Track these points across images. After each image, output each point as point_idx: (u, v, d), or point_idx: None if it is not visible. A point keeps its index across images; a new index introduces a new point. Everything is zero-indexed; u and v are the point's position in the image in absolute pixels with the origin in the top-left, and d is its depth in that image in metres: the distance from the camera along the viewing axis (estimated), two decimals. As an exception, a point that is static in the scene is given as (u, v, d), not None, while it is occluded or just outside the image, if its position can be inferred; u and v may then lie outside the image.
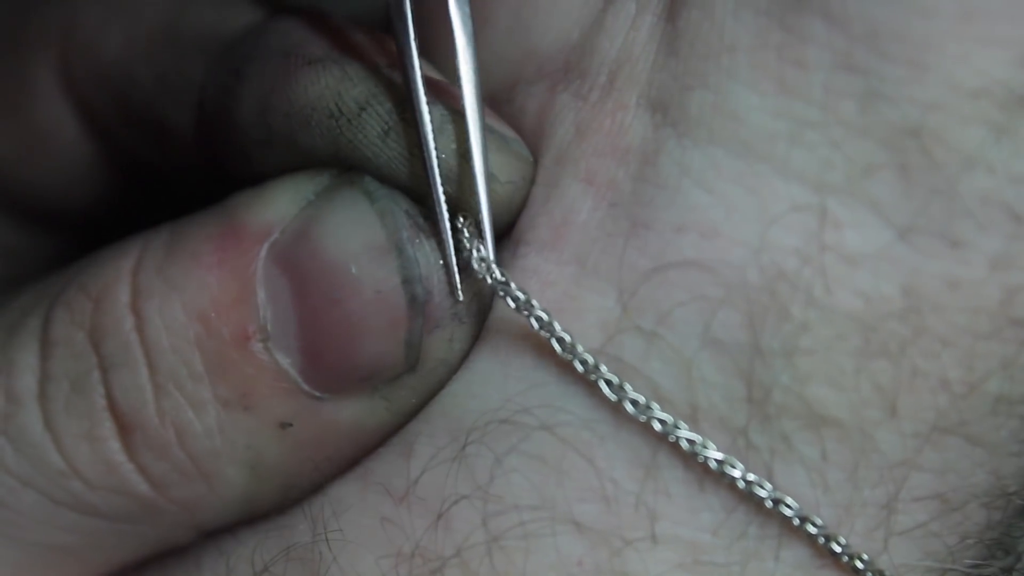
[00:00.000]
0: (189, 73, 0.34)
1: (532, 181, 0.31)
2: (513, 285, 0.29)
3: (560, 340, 0.29)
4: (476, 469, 0.29)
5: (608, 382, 0.29)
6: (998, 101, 0.27)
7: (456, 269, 0.30)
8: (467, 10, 0.30)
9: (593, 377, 0.29)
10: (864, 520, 0.28)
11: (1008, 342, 0.28)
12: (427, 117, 0.30)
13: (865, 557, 0.28)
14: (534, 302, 0.29)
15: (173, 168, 0.37)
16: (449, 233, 0.30)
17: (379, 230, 0.30)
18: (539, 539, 0.28)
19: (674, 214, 0.29)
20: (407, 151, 0.30)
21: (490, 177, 0.31)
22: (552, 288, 0.30)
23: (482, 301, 0.31)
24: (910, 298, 0.27)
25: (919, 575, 0.29)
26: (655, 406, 0.28)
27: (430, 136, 0.30)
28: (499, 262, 0.31)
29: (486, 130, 0.31)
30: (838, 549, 0.28)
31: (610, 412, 0.29)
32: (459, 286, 0.30)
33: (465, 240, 0.30)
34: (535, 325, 0.29)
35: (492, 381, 0.30)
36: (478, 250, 0.30)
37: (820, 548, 0.28)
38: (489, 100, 0.32)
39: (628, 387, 0.28)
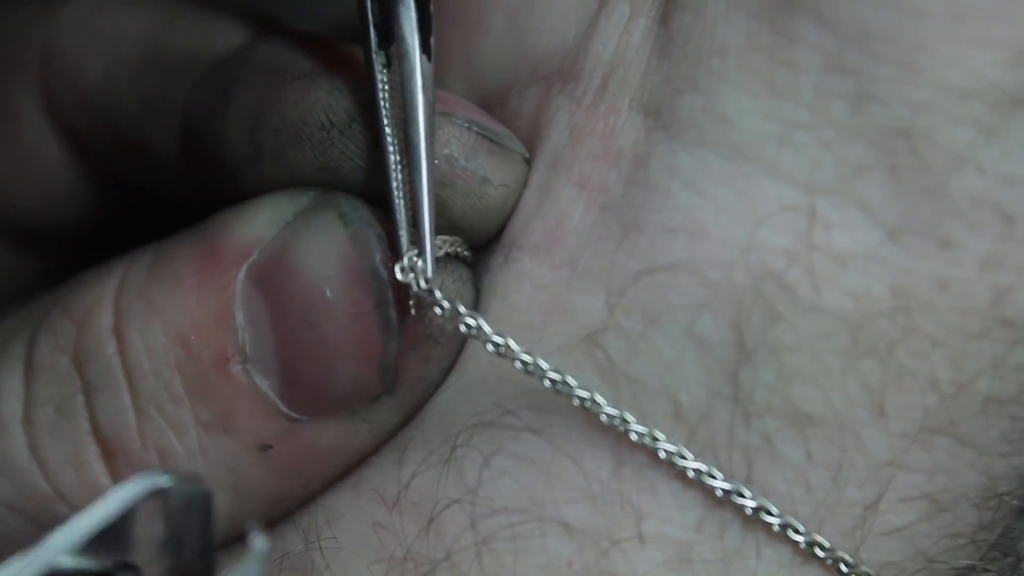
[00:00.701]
0: (173, 95, 0.34)
1: (525, 183, 0.31)
2: (438, 294, 0.29)
3: (496, 344, 0.29)
4: (465, 472, 0.29)
5: (581, 398, 0.29)
6: (989, 102, 0.27)
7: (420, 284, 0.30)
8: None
9: (555, 385, 0.29)
10: (845, 519, 0.28)
11: (998, 342, 0.28)
12: (389, 141, 0.30)
13: (850, 560, 0.28)
14: (461, 309, 0.29)
15: (159, 189, 0.37)
16: (405, 246, 0.30)
17: (352, 254, 0.30)
18: (528, 541, 0.29)
19: (664, 216, 0.29)
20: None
21: (483, 181, 0.31)
22: (544, 291, 0.30)
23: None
24: (899, 298, 0.27)
25: (907, 574, 0.29)
26: (630, 418, 0.28)
27: (390, 151, 0.30)
28: (490, 266, 0.31)
29: (475, 131, 0.31)
30: (822, 554, 0.28)
31: None
32: (411, 303, 0.30)
33: (443, 256, 0.31)
34: (464, 330, 0.29)
35: (485, 384, 0.30)
36: (410, 259, 0.30)
37: (802, 551, 0.28)
38: (484, 103, 0.32)
39: (599, 397, 0.28)
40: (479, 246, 0.32)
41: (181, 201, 0.36)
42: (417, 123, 0.30)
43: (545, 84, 0.32)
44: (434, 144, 0.30)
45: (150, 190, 0.38)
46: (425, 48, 0.30)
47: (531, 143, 0.32)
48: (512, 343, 0.29)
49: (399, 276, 0.29)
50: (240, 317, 0.30)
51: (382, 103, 0.30)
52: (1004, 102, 0.27)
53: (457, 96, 0.32)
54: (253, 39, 0.33)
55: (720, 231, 0.28)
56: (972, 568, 0.29)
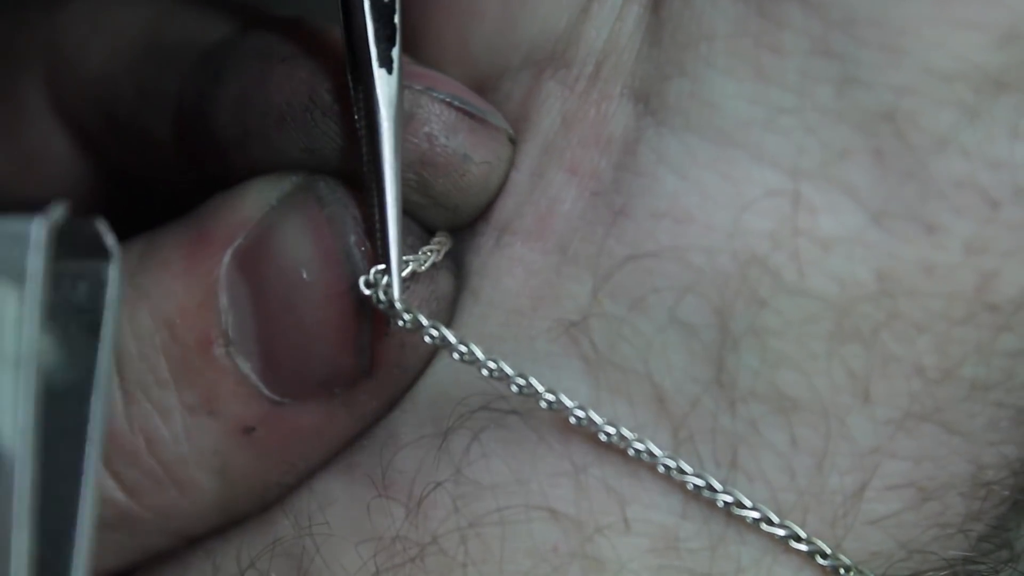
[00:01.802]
0: (168, 84, 0.34)
1: (511, 160, 0.31)
2: (399, 306, 0.29)
3: (460, 353, 0.29)
4: (453, 455, 0.29)
5: (548, 401, 0.29)
6: (973, 84, 0.27)
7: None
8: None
9: (521, 390, 0.29)
10: (829, 507, 0.28)
11: (983, 327, 0.27)
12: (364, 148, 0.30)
13: (827, 550, 0.28)
14: (424, 320, 0.29)
15: (159, 182, 0.37)
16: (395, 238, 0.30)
17: (328, 235, 0.30)
18: (514, 525, 0.29)
19: (651, 201, 0.29)
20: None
21: (464, 158, 0.31)
22: (535, 277, 0.30)
23: (438, 305, 0.31)
24: (884, 282, 0.27)
25: (893, 564, 0.28)
26: (597, 420, 0.28)
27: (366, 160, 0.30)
28: (480, 249, 0.31)
29: (456, 106, 0.31)
30: (801, 546, 0.28)
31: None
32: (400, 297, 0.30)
33: (427, 250, 0.31)
34: (428, 341, 0.29)
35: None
36: (374, 273, 0.30)
37: (780, 540, 0.28)
38: (477, 88, 0.32)
39: (565, 399, 0.28)
40: (464, 226, 0.32)
41: (180, 192, 0.36)
42: (379, 140, 0.30)
43: (537, 68, 0.32)
44: (400, 161, 0.30)
45: (151, 182, 0.38)
46: (384, 62, 0.30)
47: (522, 127, 0.32)
48: (477, 350, 0.29)
49: (363, 289, 0.29)
50: (224, 300, 0.30)
51: (358, 119, 0.30)
52: (988, 85, 0.27)
53: (439, 72, 0.32)
54: (244, 26, 0.34)
55: (705, 216, 0.28)
56: (966, 559, 0.29)
